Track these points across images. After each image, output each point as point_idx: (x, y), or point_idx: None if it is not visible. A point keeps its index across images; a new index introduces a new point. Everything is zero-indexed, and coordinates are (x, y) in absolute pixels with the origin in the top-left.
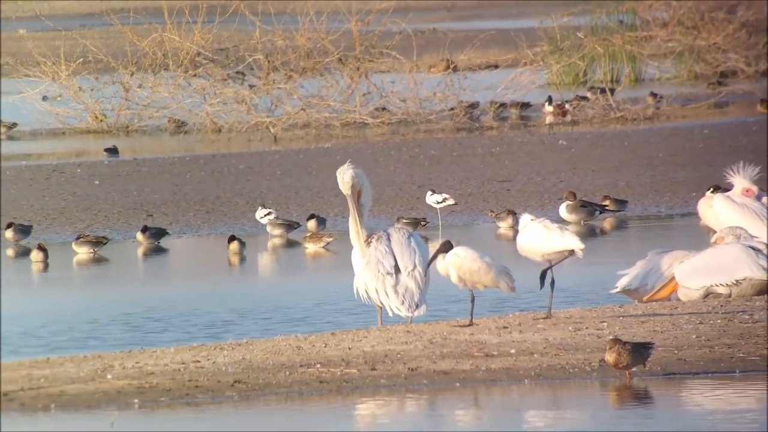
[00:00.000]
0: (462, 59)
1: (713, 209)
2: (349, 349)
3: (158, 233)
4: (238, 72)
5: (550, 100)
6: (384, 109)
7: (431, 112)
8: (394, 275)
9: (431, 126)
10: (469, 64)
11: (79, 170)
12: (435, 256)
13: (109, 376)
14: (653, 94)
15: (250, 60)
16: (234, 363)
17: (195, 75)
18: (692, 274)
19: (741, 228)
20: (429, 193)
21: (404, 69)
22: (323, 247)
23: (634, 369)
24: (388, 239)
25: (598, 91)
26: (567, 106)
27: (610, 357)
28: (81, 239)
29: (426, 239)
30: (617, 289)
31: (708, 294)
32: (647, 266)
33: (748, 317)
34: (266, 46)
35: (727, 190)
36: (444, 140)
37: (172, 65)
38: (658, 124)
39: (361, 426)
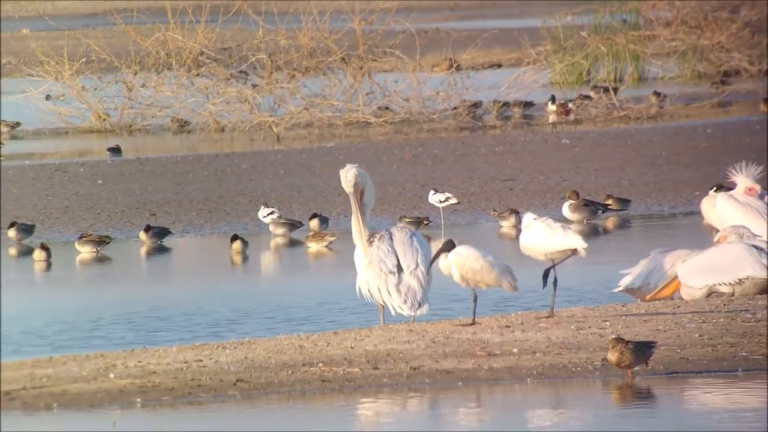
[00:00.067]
0: (465, 58)
1: (716, 208)
2: (352, 348)
3: (161, 232)
4: (241, 71)
5: (553, 99)
6: (387, 108)
7: (434, 111)
8: (396, 274)
9: (434, 125)
10: (472, 63)
11: (82, 169)
12: (437, 255)
13: (111, 375)
14: (656, 93)
15: (253, 59)
16: (236, 362)
17: (198, 74)
18: (695, 273)
19: (744, 227)
20: (432, 192)
21: (407, 68)
22: (326, 246)
23: (636, 368)
24: (391, 238)
25: (602, 90)
26: (570, 105)
27: (612, 356)
28: (84, 238)
29: (428, 238)
30: (620, 288)
31: (711, 293)
32: (650, 265)
33: (750, 316)
34: (269, 45)
35: (730, 189)
36: (447, 139)
37: (175, 65)
38: (661, 123)
39: (363, 425)
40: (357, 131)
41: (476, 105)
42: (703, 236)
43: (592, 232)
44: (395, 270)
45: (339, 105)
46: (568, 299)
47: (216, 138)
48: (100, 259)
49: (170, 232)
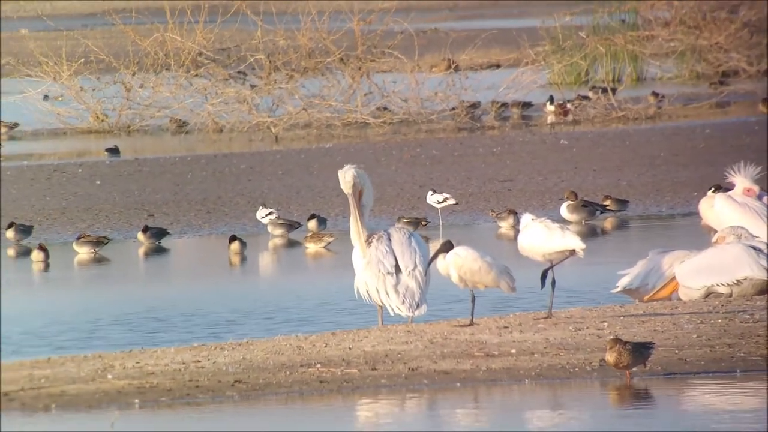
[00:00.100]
0: (464, 59)
1: (714, 209)
2: (350, 348)
3: (159, 233)
4: (239, 72)
5: (551, 99)
6: (385, 108)
7: (433, 111)
8: (394, 275)
9: (433, 126)
10: (470, 63)
11: (80, 170)
12: (436, 256)
13: (109, 376)
14: (655, 94)
15: (252, 60)
16: (234, 363)
17: (196, 75)
18: (693, 273)
19: (742, 228)
20: (430, 192)
21: (406, 69)
22: (324, 247)
23: (634, 369)
24: (389, 239)
25: (600, 90)
26: (569, 105)
27: (610, 357)
28: (82, 239)
29: (427, 239)
30: (618, 289)
31: (709, 294)
32: (648, 266)
33: (748, 317)
34: (268, 45)
35: (729, 189)
36: (445, 140)
37: (173, 65)
38: (659, 124)
39: (361, 426)
40: (355, 132)
41: (475, 105)
42: (701, 237)
43: (590, 233)
44: (393, 271)
45: (337, 105)
46: (566, 300)
47: (214, 138)
48: (98, 260)
49: (168, 233)
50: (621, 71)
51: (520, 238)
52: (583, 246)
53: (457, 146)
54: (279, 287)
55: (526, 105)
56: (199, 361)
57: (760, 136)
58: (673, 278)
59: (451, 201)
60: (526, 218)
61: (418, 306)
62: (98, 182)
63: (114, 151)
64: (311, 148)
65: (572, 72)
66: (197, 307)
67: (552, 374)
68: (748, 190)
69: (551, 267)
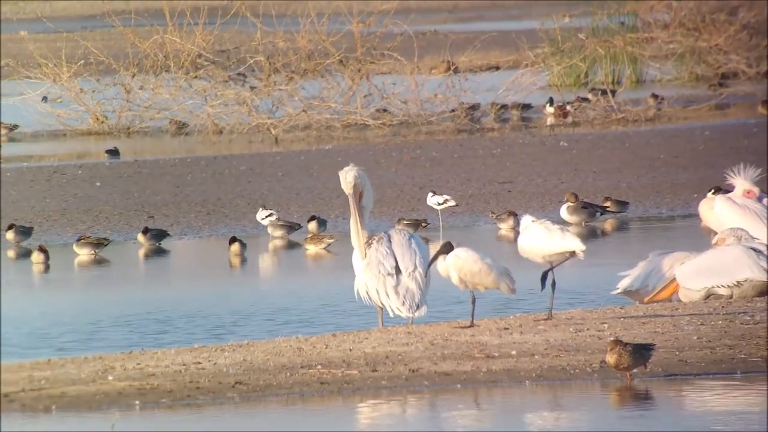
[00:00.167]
0: (463, 61)
1: (714, 211)
2: (350, 350)
3: (159, 235)
4: (239, 73)
5: (551, 101)
6: (385, 110)
7: (432, 113)
8: (394, 276)
9: (432, 127)
10: (470, 65)
11: (80, 172)
12: (436, 258)
13: (110, 378)
14: (654, 96)
15: (252, 61)
16: (235, 364)
17: (196, 76)
18: (693, 275)
19: (742, 229)
20: (430, 194)
21: (405, 70)
22: (324, 248)
23: (635, 370)
24: (389, 240)
25: (599, 92)
26: (568, 107)
27: (611, 358)
28: (82, 241)
29: (427, 240)
30: (618, 291)
31: (709, 295)
32: (648, 267)
33: (749, 318)
34: (267, 47)
35: (728, 191)
36: (445, 142)
37: (173, 67)
38: (659, 126)
39: (362, 427)
40: (355, 133)
41: (474, 107)
42: (701, 238)
43: (590, 235)
44: (393, 272)
45: (337, 107)
46: (566, 301)
47: (214, 140)
48: (99, 262)
49: (168, 235)
50: (620, 73)
51: (520, 239)
52: (583, 247)
53: (457, 148)
54: (279, 289)
55: (526, 107)
56: (199, 363)
57: (759, 138)
58: (674, 280)
59: (452, 203)
60: (526, 220)
61: (418, 307)
62: (98, 184)
63: (114, 152)
64: (311, 150)
65: (572, 74)
66: (197, 309)
67: (552, 376)
68: (747, 192)
69: (551, 268)
